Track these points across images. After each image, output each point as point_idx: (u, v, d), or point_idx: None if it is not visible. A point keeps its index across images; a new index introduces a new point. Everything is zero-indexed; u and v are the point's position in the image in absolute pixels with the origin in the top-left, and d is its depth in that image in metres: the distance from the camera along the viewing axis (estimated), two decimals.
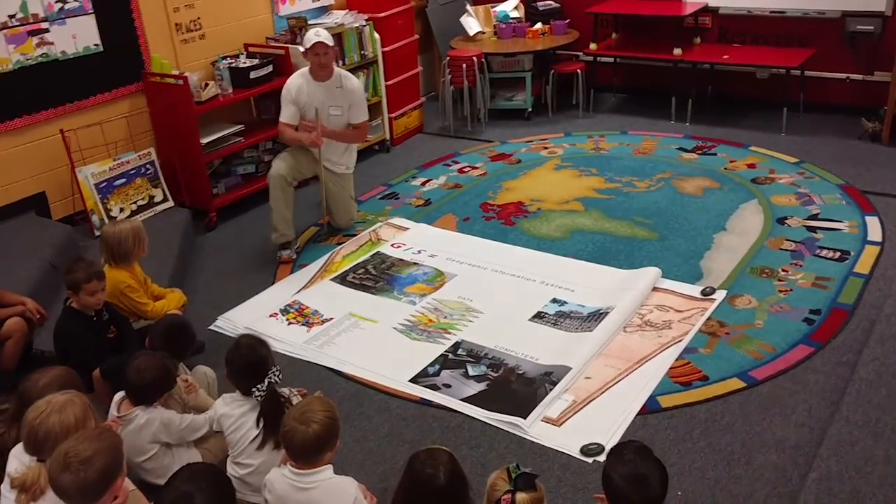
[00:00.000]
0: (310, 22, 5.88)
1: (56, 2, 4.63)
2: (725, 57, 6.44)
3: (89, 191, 4.85)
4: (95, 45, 4.88)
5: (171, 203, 5.24)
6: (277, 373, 2.81)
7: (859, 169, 5.48)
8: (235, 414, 2.82)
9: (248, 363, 2.80)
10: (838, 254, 4.40)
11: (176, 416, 2.94)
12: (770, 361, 3.57)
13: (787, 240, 4.60)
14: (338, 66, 4.76)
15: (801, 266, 4.32)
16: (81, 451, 2.16)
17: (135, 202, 5.06)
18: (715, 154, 5.93)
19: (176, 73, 5.13)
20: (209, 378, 3.42)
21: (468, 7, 7.25)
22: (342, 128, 4.89)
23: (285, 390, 2.89)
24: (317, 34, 4.64)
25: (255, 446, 2.76)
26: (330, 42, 4.65)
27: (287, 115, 4.79)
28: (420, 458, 2.30)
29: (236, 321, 4.21)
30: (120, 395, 2.94)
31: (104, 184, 4.91)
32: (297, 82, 4.77)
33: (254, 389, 2.76)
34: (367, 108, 4.97)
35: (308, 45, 4.64)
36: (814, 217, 4.84)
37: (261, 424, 2.76)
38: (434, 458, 2.28)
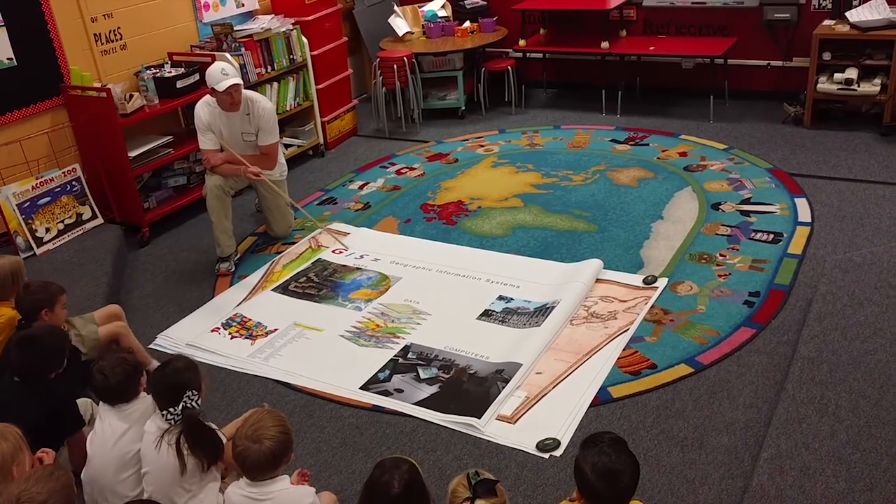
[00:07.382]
0: (236, 28, 5.74)
1: None
2: (651, 49, 6.56)
3: (11, 212, 4.63)
4: (9, 59, 4.67)
5: (100, 220, 5.06)
6: (194, 397, 2.66)
7: (785, 152, 5.64)
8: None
9: (167, 385, 2.66)
10: (772, 236, 4.52)
11: None
12: (715, 345, 3.64)
13: (723, 225, 4.70)
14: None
15: (737, 250, 4.42)
16: (35, 494, 2.05)
17: (62, 221, 4.87)
18: (647, 144, 6.03)
19: (98, 85, 4.95)
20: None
21: (396, 7, 7.21)
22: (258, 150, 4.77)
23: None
24: (223, 73, 4.37)
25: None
26: (239, 80, 4.46)
27: (208, 142, 4.65)
28: (380, 465, 2.26)
29: (177, 338, 4.09)
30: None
31: (27, 203, 4.70)
32: (207, 111, 4.60)
33: (164, 412, 2.63)
34: (276, 131, 4.80)
35: (221, 90, 4.37)
36: (746, 201, 4.96)
37: (183, 448, 2.60)
38: (394, 466, 2.24)
